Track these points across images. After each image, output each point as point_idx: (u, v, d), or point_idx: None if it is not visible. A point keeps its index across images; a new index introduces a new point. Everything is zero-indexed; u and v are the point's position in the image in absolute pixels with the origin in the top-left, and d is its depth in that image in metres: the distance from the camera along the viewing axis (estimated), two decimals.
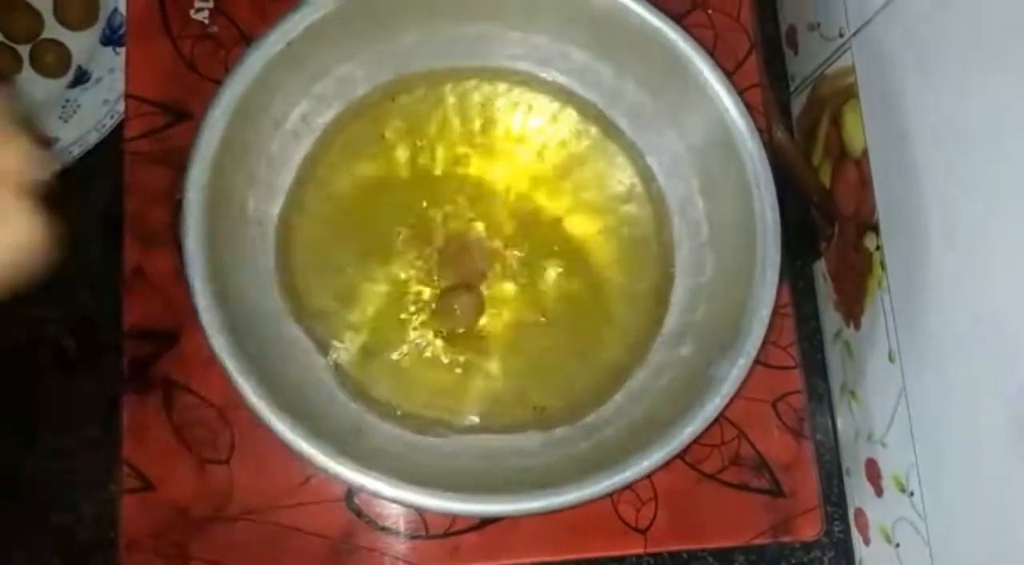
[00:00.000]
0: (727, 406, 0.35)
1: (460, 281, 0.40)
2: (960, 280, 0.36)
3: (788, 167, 0.43)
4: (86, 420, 0.46)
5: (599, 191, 0.41)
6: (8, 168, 0.26)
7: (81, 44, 0.49)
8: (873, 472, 0.44)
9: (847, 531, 0.47)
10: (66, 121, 0.47)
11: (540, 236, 0.41)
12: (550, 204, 0.41)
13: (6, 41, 0.49)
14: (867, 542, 0.45)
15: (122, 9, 0.48)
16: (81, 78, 0.49)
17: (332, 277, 0.39)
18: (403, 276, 0.40)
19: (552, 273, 0.41)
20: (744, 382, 0.35)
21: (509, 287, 0.40)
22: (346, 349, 0.38)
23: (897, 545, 0.42)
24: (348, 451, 0.33)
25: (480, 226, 0.41)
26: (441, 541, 0.38)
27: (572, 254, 0.41)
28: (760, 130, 0.38)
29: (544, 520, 0.36)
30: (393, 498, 0.33)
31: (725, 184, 0.38)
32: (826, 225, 0.47)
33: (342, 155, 0.40)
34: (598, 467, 0.34)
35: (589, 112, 0.41)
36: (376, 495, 0.33)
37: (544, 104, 0.41)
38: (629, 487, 0.35)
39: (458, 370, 0.39)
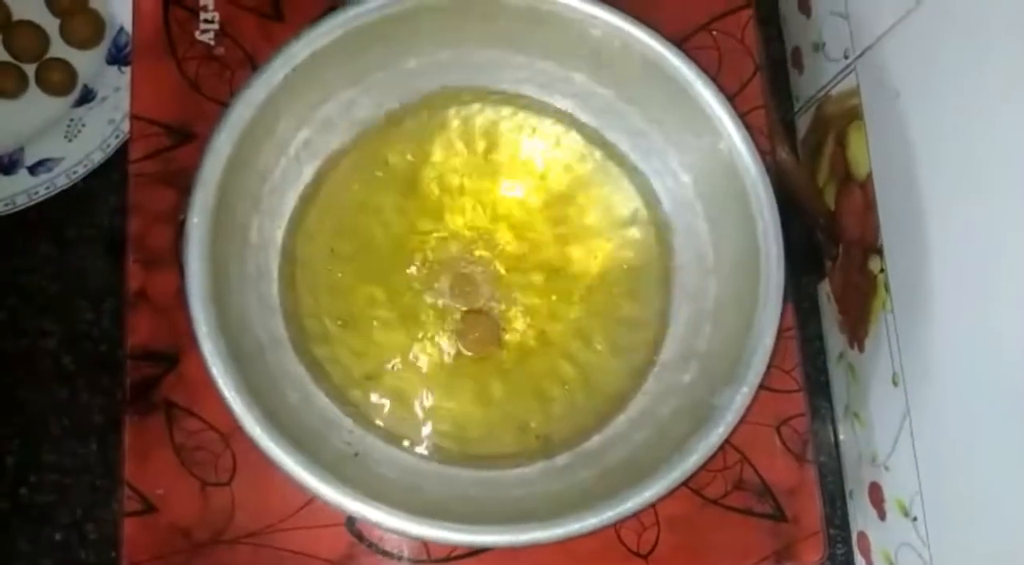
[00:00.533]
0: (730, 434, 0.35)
1: (466, 306, 0.40)
2: (964, 305, 0.35)
3: (792, 188, 0.43)
4: (84, 437, 0.46)
5: (603, 215, 0.41)
6: None
7: (87, 63, 0.49)
8: (876, 496, 0.43)
9: (850, 554, 0.46)
10: (71, 140, 0.48)
11: (544, 260, 0.41)
12: (554, 228, 0.41)
13: (12, 60, 0.49)
14: None
15: (128, 28, 0.48)
16: (86, 97, 0.49)
17: (335, 302, 0.39)
18: (407, 301, 0.40)
19: (555, 298, 0.40)
20: (748, 409, 0.35)
21: (513, 312, 0.40)
22: (348, 374, 0.38)
23: None
24: (347, 477, 0.33)
25: (484, 250, 0.41)
26: None
27: (575, 279, 0.41)
28: (763, 152, 0.38)
29: (546, 545, 0.36)
30: (393, 529, 0.33)
31: (729, 211, 0.38)
32: (831, 245, 0.47)
33: (346, 180, 0.40)
34: (600, 496, 0.34)
35: (593, 136, 0.41)
36: (377, 526, 0.33)
37: (548, 128, 0.41)
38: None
39: (461, 397, 0.39)
